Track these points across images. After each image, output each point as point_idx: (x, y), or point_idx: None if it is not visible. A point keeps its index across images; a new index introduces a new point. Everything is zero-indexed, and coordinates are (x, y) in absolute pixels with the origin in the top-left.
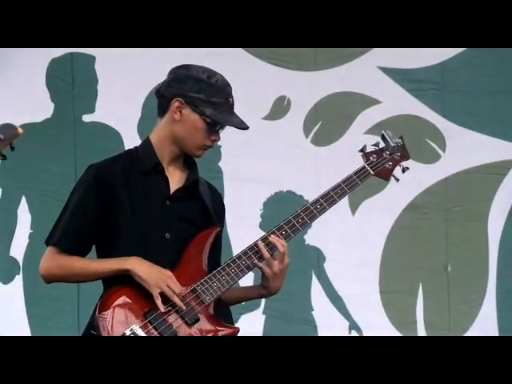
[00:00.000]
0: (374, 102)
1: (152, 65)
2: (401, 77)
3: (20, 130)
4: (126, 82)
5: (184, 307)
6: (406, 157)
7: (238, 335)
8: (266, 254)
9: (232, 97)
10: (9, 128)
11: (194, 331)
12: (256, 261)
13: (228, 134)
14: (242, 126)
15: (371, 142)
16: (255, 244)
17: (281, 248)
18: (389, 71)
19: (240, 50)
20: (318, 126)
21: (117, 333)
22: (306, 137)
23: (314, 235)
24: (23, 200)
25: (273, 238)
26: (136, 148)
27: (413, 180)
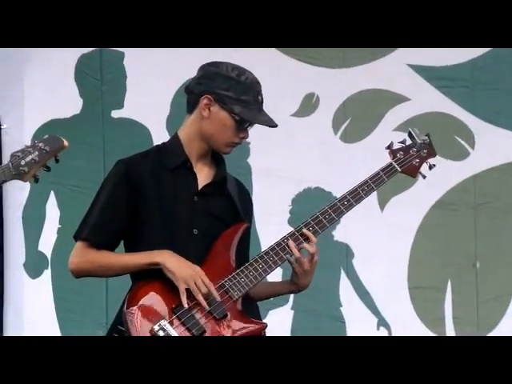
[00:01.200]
0: (403, 99)
1: (181, 61)
2: (430, 74)
3: (66, 143)
4: (155, 78)
5: (207, 306)
6: (432, 154)
7: (266, 334)
8: (297, 254)
9: (261, 95)
10: (55, 140)
11: (222, 327)
12: (284, 256)
13: (257, 131)
14: (271, 124)
15: (400, 139)
16: (283, 240)
17: (310, 249)
18: (418, 68)
19: None
20: (347, 122)
21: (145, 328)
22: (335, 134)
23: (343, 231)
24: (52, 195)
25: (306, 232)
26: (164, 144)
27: (441, 177)
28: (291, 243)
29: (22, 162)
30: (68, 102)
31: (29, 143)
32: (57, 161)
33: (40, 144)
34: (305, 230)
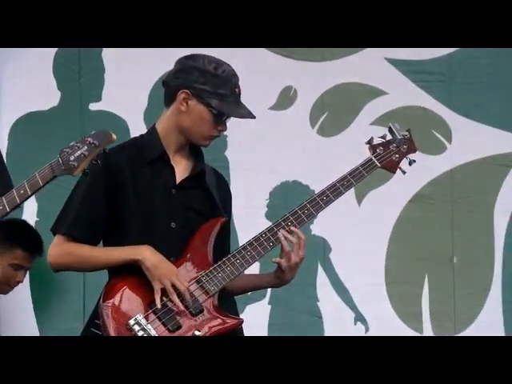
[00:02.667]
0: (381, 92)
1: (159, 54)
2: (407, 68)
3: (114, 137)
4: (133, 70)
5: (182, 307)
6: (412, 150)
7: (243, 329)
8: (286, 248)
9: (239, 87)
10: (103, 134)
11: (198, 322)
12: (262, 251)
13: (235, 124)
14: (249, 117)
15: (377, 132)
16: (261, 236)
17: (294, 240)
18: (395, 62)
19: None
20: (325, 116)
21: (121, 322)
22: (313, 127)
23: (320, 225)
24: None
25: (294, 229)
26: (142, 136)
27: (419, 171)
28: (281, 236)
29: (72, 158)
30: (46, 95)
31: (6, 137)
32: (104, 151)
33: (89, 139)
34: (292, 228)
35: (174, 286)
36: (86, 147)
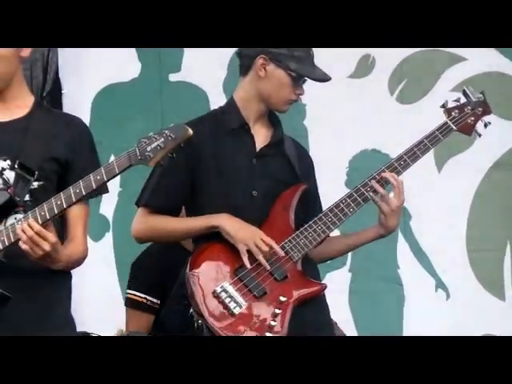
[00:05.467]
0: (460, 59)
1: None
2: None
3: (190, 132)
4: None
5: (268, 266)
6: (487, 112)
7: (326, 295)
8: (383, 191)
9: (312, 49)
10: (180, 128)
11: (282, 288)
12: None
13: (313, 93)
14: (325, 78)
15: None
16: (341, 201)
17: (394, 182)
18: None
19: None
20: (403, 83)
21: (208, 289)
22: (391, 94)
23: None
24: (112, 158)
25: (386, 174)
26: (221, 108)
27: (500, 137)
28: (373, 180)
29: (148, 148)
30: (126, 66)
31: (88, 109)
32: (179, 147)
33: (166, 131)
34: (384, 174)
35: (257, 246)
36: (162, 139)
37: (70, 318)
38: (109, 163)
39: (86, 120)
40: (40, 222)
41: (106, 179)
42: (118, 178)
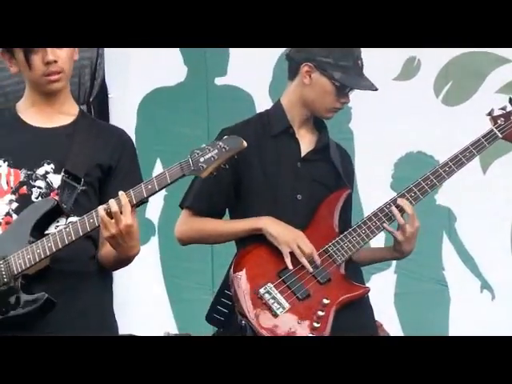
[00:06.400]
0: (506, 60)
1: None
2: None
3: (245, 144)
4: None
5: (311, 269)
6: None
7: (370, 298)
8: (401, 221)
9: (361, 59)
10: (234, 140)
11: (326, 290)
12: (386, 224)
13: (359, 96)
14: (371, 89)
15: (502, 101)
16: (385, 206)
17: (408, 210)
18: None
19: None
20: (449, 85)
21: (251, 291)
22: (437, 97)
23: (445, 195)
24: (158, 162)
25: (400, 201)
26: (267, 111)
27: None
28: (394, 209)
29: (202, 159)
30: (172, 71)
31: (135, 114)
32: (234, 159)
33: (220, 143)
34: (399, 202)
35: (300, 248)
36: (216, 151)
37: (109, 321)
38: (160, 173)
39: (133, 124)
40: (89, 229)
41: (157, 189)
42: None
